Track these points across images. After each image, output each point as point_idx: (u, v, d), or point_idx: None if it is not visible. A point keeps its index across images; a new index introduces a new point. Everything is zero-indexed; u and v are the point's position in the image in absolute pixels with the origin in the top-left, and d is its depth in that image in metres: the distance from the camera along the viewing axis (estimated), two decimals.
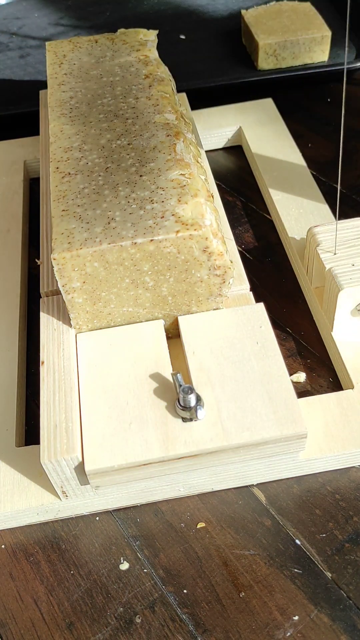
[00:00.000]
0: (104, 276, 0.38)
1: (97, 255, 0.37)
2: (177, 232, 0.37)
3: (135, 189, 0.40)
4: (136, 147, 0.43)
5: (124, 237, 0.37)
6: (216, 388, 0.38)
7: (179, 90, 0.67)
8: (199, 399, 0.37)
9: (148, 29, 0.56)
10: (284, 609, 0.35)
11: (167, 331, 0.43)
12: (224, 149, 0.66)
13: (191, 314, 0.43)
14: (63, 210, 0.39)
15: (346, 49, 0.43)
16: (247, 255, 0.54)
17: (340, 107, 0.70)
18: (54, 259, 0.37)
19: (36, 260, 0.56)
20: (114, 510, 0.40)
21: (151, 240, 0.37)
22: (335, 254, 0.44)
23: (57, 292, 0.45)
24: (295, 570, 0.36)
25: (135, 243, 0.37)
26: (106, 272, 0.38)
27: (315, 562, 0.36)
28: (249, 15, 0.74)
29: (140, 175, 0.41)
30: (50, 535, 0.39)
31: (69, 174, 0.42)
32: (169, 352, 0.41)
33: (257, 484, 0.40)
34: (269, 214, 0.58)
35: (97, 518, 0.40)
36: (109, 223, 0.38)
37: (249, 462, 0.38)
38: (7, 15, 0.88)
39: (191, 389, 0.36)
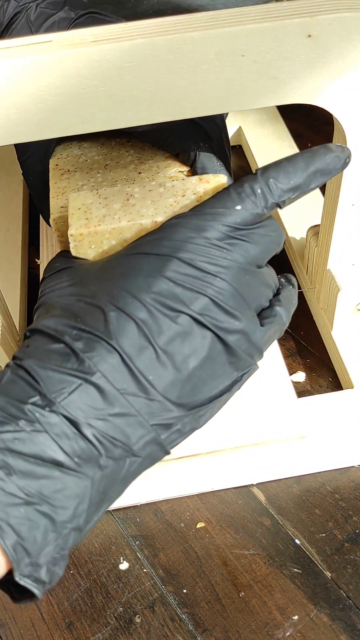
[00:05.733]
0: None
1: (116, 232, 0.35)
2: None
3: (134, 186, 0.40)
4: (135, 145, 0.43)
5: (144, 215, 0.35)
6: None
7: None
8: None
9: None
10: (283, 609, 0.35)
11: None
12: None
13: None
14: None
15: None
16: None
17: None
18: (71, 235, 0.35)
19: (36, 260, 0.56)
20: (114, 510, 0.40)
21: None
22: None
23: None
24: (295, 569, 0.36)
25: (156, 222, 0.35)
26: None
27: (315, 561, 0.36)
28: None
29: (139, 173, 0.41)
30: None
31: (68, 171, 0.42)
32: None
33: (257, 484, 0.40)
34: None
35: None
36: (127, 200, 0.36)
37: (248, 462, 0.38)
38: None
39: None
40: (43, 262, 0.48)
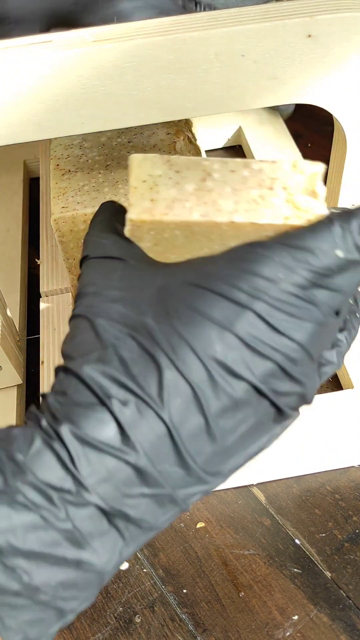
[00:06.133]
0: (182, 243, 0.31)
1: (184, 225, 0.29)
2: (287, 218, 0.28)
3: None
4: (136, 145, 0.43)
5: (221, 211, 0.28)
6: None
7: None
8: None
9: None
10: (283, 609, 0.35)
11: None
12: (223, 148, 0.66)
13: None
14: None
15: None
16: None
17: None
18: (131, 220, 0.29)
19: (36, 260, 0.56)
20: None
21: (252, 222, 0.29)
22: None
23: (57, 292, 0.45)
24: (295, 569, 0.36)
25: (233, 222, 0.28)
26: (186, 241, 0.31)
27: (315, 561, 0.36)
28: None
29: None
30: None
31: (69, 171, 0.42)
32: None
33: (257, 484, 0.40)
34: None
35: None
36: (204, 180, 0.29)
37: (248, 462, 0.38)
38: None
39: None
40: (43, 262, 0.48)
